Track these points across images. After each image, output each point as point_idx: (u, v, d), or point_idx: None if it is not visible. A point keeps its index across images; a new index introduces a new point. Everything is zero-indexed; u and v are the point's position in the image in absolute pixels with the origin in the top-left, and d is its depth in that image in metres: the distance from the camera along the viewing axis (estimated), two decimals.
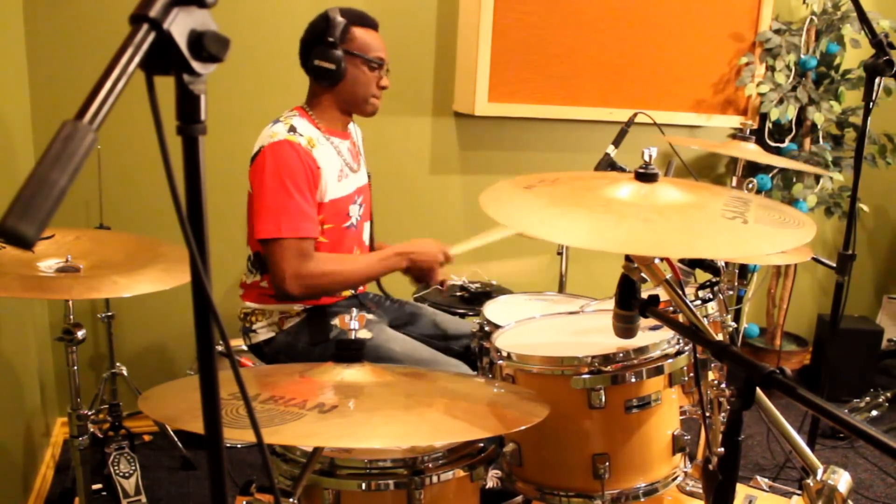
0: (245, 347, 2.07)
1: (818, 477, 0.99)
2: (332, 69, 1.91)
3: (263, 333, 1.97)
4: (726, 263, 1.93)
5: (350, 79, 1.95)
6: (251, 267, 2.00)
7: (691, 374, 1.47)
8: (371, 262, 1.93)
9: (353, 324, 1.36)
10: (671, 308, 1.64)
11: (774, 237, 1.09)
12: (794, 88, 3.17)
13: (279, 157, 1.83)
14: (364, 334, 1.37)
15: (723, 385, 1.41)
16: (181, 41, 0.59)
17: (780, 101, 3.13)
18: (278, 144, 1.83)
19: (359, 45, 1.94)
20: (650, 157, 1.23)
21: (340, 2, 2.04)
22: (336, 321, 1.39)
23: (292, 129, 1.87)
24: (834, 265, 2.02)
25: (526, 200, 1.22)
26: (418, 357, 1.90)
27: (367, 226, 2.13)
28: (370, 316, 2.00)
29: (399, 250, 1.93)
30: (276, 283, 1.84)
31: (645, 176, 1.21)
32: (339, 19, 1.91)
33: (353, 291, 2.08)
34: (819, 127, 3.22)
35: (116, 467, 2.27)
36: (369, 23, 1.98)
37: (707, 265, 1.89)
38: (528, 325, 1.73)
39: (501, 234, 2.09)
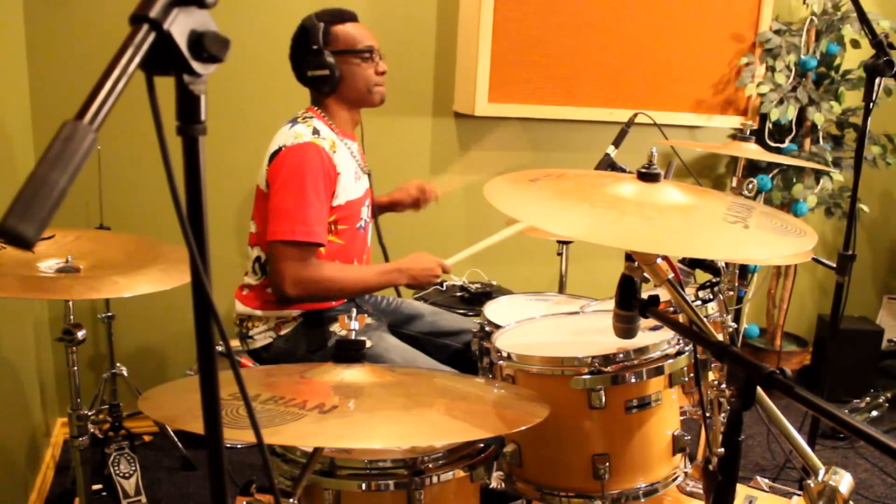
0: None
1: (819, 478, 0.99)
2: (327, 75, 1.91)
3: (261, 339, 1.96)
4: (726, 264, 1.93)
5: (347, 77, 1.94)
6: (257, 269, 1.98)
7: (691, 375, 1.47)
8: (371, 274, 1.93)
9: (354, 324, 1.36)
10: (671, 308, 1.65)
11: (774, 243, 1.10)
12: (794, 89, 3.16)
13: (303, 158, 1.82)
14: (366, 342, 1.37)
15: (723, 385, 1.41)
16: (181, 41, 0.59)
17: (781, 102, 3.12)
18: (304, 146, 1.83)
19: (344, 42, 1.93)
20: (654, 156, 1.23)
21: (334, 2, 2.04)
22: (335, 326, 1.39)
23: (316, 132, 1.87)
24: (834, 265, 2.02)
25: (529, 192, 1.23)
26: (418, 367, 1.90)
27: (370, 227, 2.14)
28: (368, 320, 1.99)
29: (400, 266, 1.94)
30: (274, 283, 1.83)
31: (647, 176, 1.21)
32: (317, 24, 1.91)
33: None
34: (819, 127, 3.22)
35: (116, 468, 2.27)
36: (347, 17, 1.96)
37: (707, 265, 1.89)
38: (529, 326, 1.73)
39: (496, 239, 2.10)
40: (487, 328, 1.79)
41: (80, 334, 1.67)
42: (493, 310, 1.95)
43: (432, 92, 3.01)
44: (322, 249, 1.88)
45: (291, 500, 1.18)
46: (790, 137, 3.29)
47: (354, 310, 1.40)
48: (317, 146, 1.84)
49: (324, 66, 1.91)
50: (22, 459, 2.23)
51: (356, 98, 1.98)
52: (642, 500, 1.44)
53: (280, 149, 1.85)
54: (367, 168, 2.09)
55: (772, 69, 3.18)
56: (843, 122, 3.33)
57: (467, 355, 2.08)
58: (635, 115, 2.27)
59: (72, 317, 1.71)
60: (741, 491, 1.67)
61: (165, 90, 0.59)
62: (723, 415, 1.43)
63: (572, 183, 1.28)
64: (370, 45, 1.96)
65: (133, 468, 2.29)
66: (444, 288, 2.63)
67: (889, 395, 3.23)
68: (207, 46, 0.60)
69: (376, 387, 1.26)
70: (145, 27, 0.57)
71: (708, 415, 1.42)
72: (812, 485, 1.00)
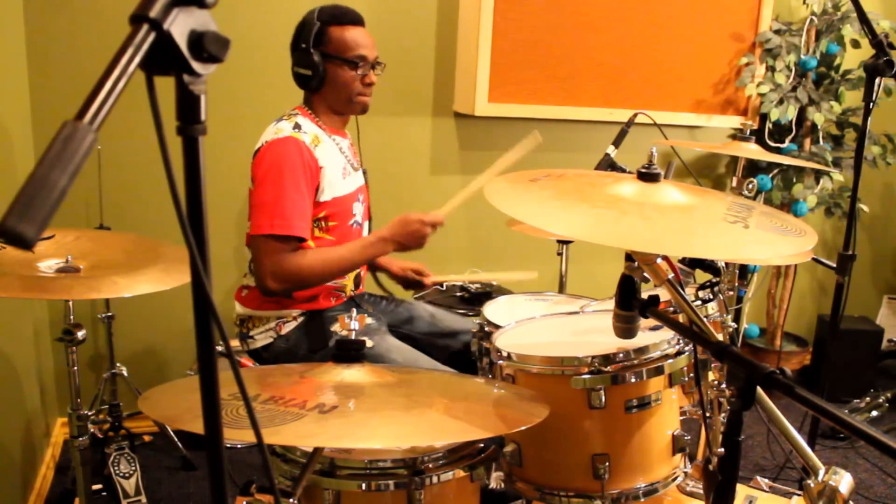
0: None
1: (819, 478, 0.99)
2: (309, 75, 1.90)
3: (261, 339, 1.96)
4: (726, 264, 1.93)
5: (331, 80, 1.92)
6: (254, 270, 1.98)
7: (691, 375, 1.47)
8: (354, 250, 1.88)
9: (354, 324, 1.36)
10: (671, 308, 1.65)
11: (774, 243, 1.10)
12: (794, 89, 3.16)
13: (281, 152, 1.82)
14: (366, 342, 1.37)
15: (723, 385, 1.41)
16: (181, 41, 0.59)
17: (781, 102, 3.12)
18: (282, 140, 1.83)
19: (336, 47, 1.90)
20: (654, 156, 1.23)
21: (336, 1, 2.03)
22: (335, 326, 1.39)
23: (297, 127, 1.87)
24: (834, 265, 2.02)
25: (529, 192, 1.23)
26: (419, 368, 1.90)
27: (367, 224, 2.14)
28: (369, 320, 1.98)
29: (384, 235, 1.88)
30: (256, 277, 1.83)
31: (647, 176, 1.22)
32: (314, 21, 1.88)
33: (351, 293, 2.07)
34: (819, 127, 3.22)
35: (116, 468, 2.27)
36: (348, 20, 1.92)
37: (707, 265, 1.89)
38: (528, 326, 1.73)
39: (485, 179, 2.07)
40: (487, 328, 1.79)
41: (80, 334, 1.67)
42: (492, 310, 1.95)
43: (432, 92, 3.01)
44: (311, 242, 1.87)
45: (291, 500, 1.18)
46: (790, 137, 3.29)
47: (354, 310, 1.40)
48: (296, 140, 1.84)
49: (308, 65, 1.89)
50: (22, 459, 2.23)
51: (337, 103, 1.96)
52: (642, 499, 1.44)
53: (262, 145, 1.86)
54: (361, 165, 2.09)
55: (772, 69, 3.18)
56: (843, 122, 3.33)
57: (467, 355, 2.08)
58: (635, 115, 2.26)
59: (72, 317, 1.71)
60: (741, 491, 1.67)
61: (165, 90, 0.59)
62: (723, 415, 1.43)
63: (572, 183, 1.28)
64: (362, 54, 1.91)
65: (133, 468, 2.29)
66: (444, 288, 2.63)
67: (889, 395, 3.23)
68: (207, 46, 0.60)
69: (376, 387, 1.26)
70: (145, 27, 0.57)
71: (708, 415, 1.42)
72: (812, 485, 1.00)
